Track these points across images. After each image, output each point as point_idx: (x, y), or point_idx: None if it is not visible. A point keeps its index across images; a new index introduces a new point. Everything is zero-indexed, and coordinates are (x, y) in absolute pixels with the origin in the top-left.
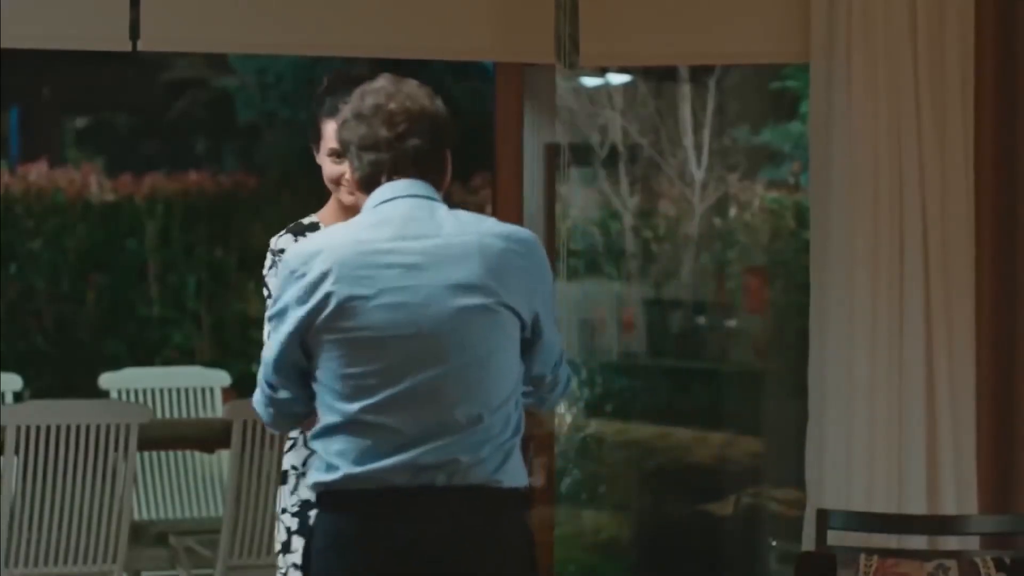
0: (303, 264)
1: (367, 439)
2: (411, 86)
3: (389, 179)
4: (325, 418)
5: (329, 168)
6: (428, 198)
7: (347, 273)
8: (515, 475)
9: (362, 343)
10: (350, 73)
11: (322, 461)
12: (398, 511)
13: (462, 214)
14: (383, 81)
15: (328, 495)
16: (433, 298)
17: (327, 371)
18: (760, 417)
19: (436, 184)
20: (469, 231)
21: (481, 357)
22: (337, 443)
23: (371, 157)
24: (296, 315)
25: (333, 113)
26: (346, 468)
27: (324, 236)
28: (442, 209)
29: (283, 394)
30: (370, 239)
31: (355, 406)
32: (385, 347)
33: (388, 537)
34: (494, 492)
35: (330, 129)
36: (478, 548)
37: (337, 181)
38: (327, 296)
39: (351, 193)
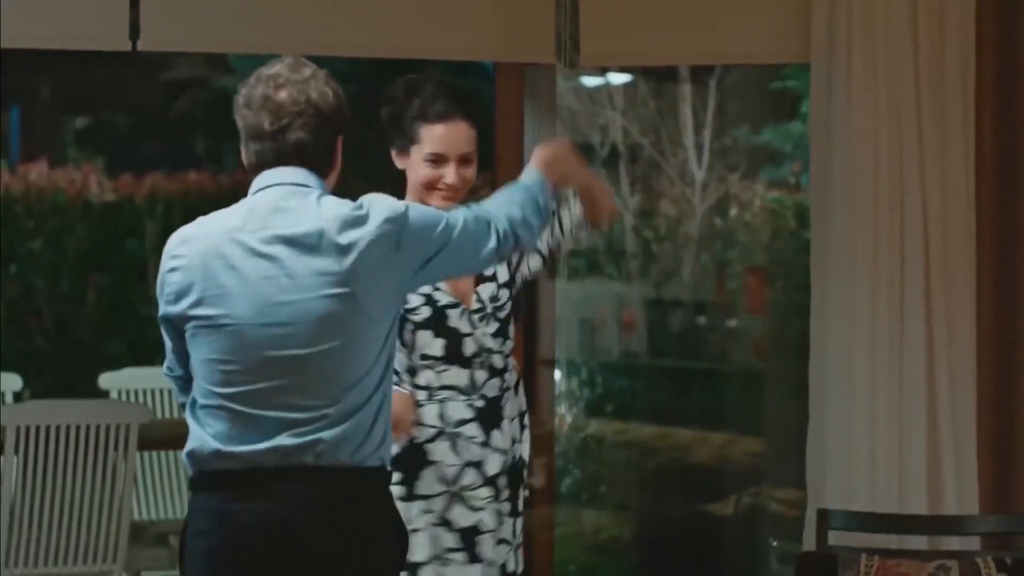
0: (174, 250)
1: (235, 425)
2: (304, 74)
3: (272, 168)
4: (197, 397)
5: (424, 172)
6: (303, 186)
7: (211, 263)
8: (377, 453)
9: (223, 332)
10: (425, 75)
11: (196, 436)
12: (264, 491)
13: (329, 202)
14: (279, 67)
15: (201, 477)
16: (292, 289)
17: (194, 356)
18: (760, 417)
19: (322, 173)
20: (328, 218)
21: (340, 343)
22: (209, 424)
23: (256, 147)
24: (163, 301)
25: (426, 117)
26: (217, 445)
27: (197, 225)
28: (313, 196)
29: (177, 372)
30: (236, 229)
31: (221, 391)
32: (246, 337)
33: (254, 516)
34: (357, 471)
35: (428, 133)
36: (342, 527)
37: (431, 185)
38: (191, 285)
39: (446, 199)
